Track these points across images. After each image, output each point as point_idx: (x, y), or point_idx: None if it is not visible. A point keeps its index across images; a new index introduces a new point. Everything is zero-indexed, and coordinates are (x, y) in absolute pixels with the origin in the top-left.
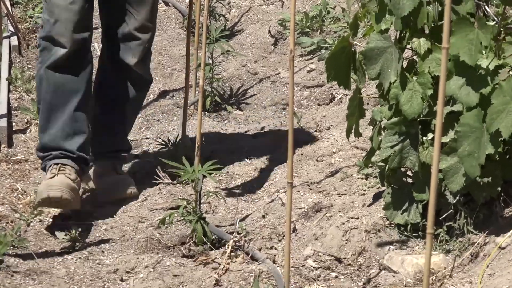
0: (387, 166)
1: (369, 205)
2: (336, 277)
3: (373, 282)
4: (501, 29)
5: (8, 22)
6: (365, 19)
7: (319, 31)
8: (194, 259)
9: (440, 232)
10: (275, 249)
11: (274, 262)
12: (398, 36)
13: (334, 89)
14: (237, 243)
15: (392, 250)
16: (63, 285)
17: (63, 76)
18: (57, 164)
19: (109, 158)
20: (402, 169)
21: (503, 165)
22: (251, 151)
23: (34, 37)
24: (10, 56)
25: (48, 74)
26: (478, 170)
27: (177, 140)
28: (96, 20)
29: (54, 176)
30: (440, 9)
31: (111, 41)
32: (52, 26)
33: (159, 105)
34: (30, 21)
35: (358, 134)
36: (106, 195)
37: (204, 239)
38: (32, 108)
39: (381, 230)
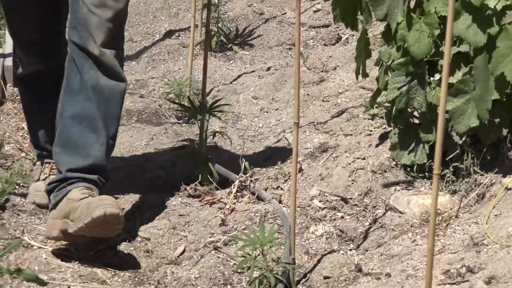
0: (394, 106)
1: (375, 146)
2: (342, 217)
3: (379, 223)
4: None
5: None
6: None
7: None
8: (200, 199)
9: (447, 173)
10: (281, 189)
11: (280, 202)
12: None
13: (340, 30)
14: (243, 183)
15: (398, 190)
16: None
17: None
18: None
19: None
20: (409, 110)
21: (510, 107)
22: (257, 91)
23: None
24: None
25: None
26: (487, 114)
27: (183, 80)
28: None
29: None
30: None
31: None
32: None
33: (165, 45)
34: None
35: (365, 75)
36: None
37: (210, 179)
38: None
39: (387, 170)
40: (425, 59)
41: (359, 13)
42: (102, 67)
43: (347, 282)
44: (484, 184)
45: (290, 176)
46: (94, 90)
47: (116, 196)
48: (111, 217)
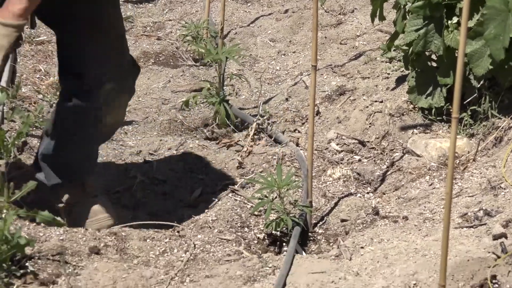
0: (411, 49)
1: (392, 89)
2: (360, 160)
3: (396, 166)
4: None
5: None
6: None
7: None
8: (217, 141)
9: (464, 116)
10: (299, 132)
11: (297, 145)
12: None
13: None
14: (260, 126)
15: (416, 134)
16: None
17: None
18: None
19: None
20: (427, 53)
21: None
22: (274, 33)
23: None
24: None
25: None
26: (503, 53)
27: (200, 22)
28: None
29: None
30: None
31: None
32: None
33: None
34: None
35: (382, 18)
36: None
37: (227, 122)
38: None
39: (404, 113)
40: (443, 2)
41: None
42: None
43: (364, 225)
44: (502, 128)
45: (307, 119)
46: None
47: (133, 138)
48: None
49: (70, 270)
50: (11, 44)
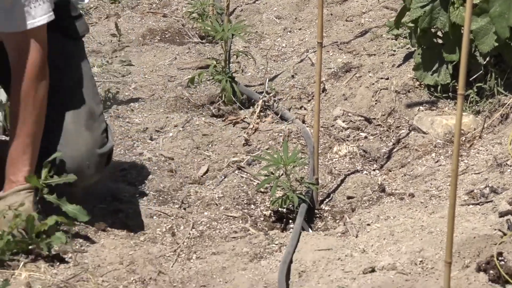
0: (417, 26)
1: (398, 66)
2: (366, 137)
3: (403, 143)
4: None
5: None
6: None
7: None
8: (223, 119)
9: (470, 93)
10: (305, 109)
11: (303, 122)
12: None
13: None
14: (266, 103)
15: (422, 111)
16: None
17: None
18: None
19: None
20: (432, 30)
21: None
22: (280, 10)
23: None
24: None
25: None
26: (507, 31)
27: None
28: None
29: None
30: None
31: None
32: None
33: None
34: None
35: None
36: None
37: (234, 99)
38: None
39: (410, 90)
40: None
41: None
42: None
43: (370, 202)
44: (508, 105)
45: (313, 96)
46: None
47: (140, 115)
48: None
49: (77, 247)
50: (31, 201)
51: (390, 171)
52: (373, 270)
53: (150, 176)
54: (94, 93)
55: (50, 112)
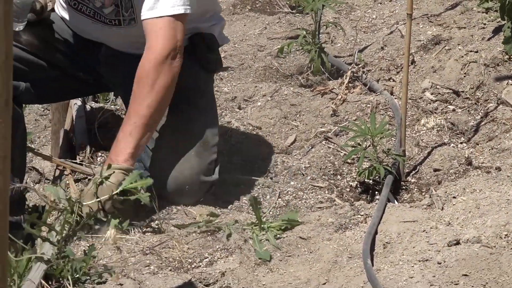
0: (508, 0)
1: (488, 39)
2: (454, 110)
3: (490, 116)
4: None
5: None
6: None
7: None
8: (311, 89)
9: None
10: (393, 80)
11: (391, 93)
12: None
13: None
14: (355, 74)
15: (511, 84)
16: None
17: None
18: None
19: None
20: None
21: None
22: None
23: None
24: None
25: None
26: None
27: None
28: None
29: None
30: None
31: None
32: None
33: None
34: None
35: None
36: None
37: (322, 69)
38: None
39: (500, 64)
40: None
41: None
42: None
43: (456, 175)
44: None
45: (402, 67)
46: None
47: (229, 84)
48: None
49: (162, 214)
50: (119, 181)
51: (477, 144)
52: (457, 243)
53: (238, 145)
54: (213, 124)
55: (167, 132)
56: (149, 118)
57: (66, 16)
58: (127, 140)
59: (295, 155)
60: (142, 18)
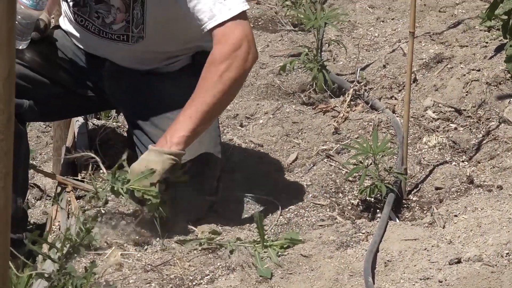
0: (510, 18)
1: (490, 58)
2: (455, 128)
3: (492, 135)
4: None
5: None
6: None
7: None
8: (313, 107)
9: None
10: (395, 99)
11: (393, 111)
12: None
13: None
14: (357, 92)
15: None
16: None
17: None
18: None
19: None
20: None
21: None
22: (374, 0)
23: None
24: None
25: None
26: None
27: None
28: None
29: None
30: None
31: None
32: None
33: None
34: None
35: None
36: None
37: (325, 87)
38: None
39: (502, 82)
40: None
41: None
42: None
43: (458, 193)
44: None
45: (404, 86)
46: None
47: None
48: None
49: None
50: (165, 170)
51: (479, 162)
52: (459, 261)
53: (239, 162)
54: (217, 143)
55: None
56: (211, 106)
57: (72, 30)
58: (186, 122)
59: (296, 172)
60: (207, 29)
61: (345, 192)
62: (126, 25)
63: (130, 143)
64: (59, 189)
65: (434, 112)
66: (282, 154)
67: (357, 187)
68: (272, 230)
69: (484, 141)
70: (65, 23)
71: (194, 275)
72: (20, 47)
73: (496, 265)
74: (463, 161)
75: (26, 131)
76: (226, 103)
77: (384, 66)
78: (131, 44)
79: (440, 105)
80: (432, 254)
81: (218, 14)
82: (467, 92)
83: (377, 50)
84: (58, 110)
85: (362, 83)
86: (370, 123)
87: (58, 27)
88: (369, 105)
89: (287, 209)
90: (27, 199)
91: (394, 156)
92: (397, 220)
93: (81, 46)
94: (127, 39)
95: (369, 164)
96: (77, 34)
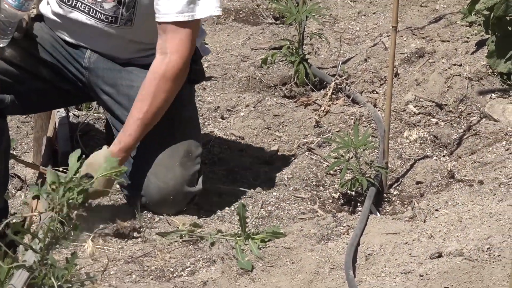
0: (492, 14)
1: (472, 53)
2: (437, 123)
3: (473, 130)
4: None
5: None
6: None
7: None
8: (295, 100)
9: None
10: (377, 93)
11: (375, 105)
12: None
13: None
14: (338, 86)
15: (494, 98)
16: None
17: None
18: None
19: None
20: (507, 18)
21: None
22: None
23: None
24: None
25: None
26: None
27: None
28: None
29: None
30: None
31: None
32: None
33: None
34: None
35: None
36: None
37: (306, 80)
38: None
39: (483, 78)
40: None
41: None
42: None
43: (439, 188)
44: None
45: (385, 80)
46: None
47: (212, 94)
48: None
49: (145, 223)
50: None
51: (460, 157)
52: (440, 256)
53: (220, 155)
54: (196, 135)
55: (152, 142)
56: (150, 111)
57: (55, 17)
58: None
59: (277, 165)
60: (163, 20)
61: (326, 185)
62: (117, 6)
63: (108, 134)
64: (40, 180)
65: (415, 107)
66: (263, 147)
67: (338, 180)
68: (253, 223)
69: (465, 136)
70: (48, 11)
71: (175, 267)
72: (1, 45)
73: (477, 260)
74: (444, 156)
75: (7, 123)
76: (161, 113)
77: (366, 60)
78: (118, 27)
79: (421, 99)
80: (413, 248)
81: (184, 12)
82: (448, 87)
83: (359, 44)
84: (39, 104)
85: (343, 77)
86: (352, 117)
87: (36, 18)
88: (350, 98)
89: (268, 202)
90: (8, 190)
91: (375, 150)
92: (378, 214)
93: (61, 35)
94: (115, 21)
95: (350, 157)
96: (59, 21)
